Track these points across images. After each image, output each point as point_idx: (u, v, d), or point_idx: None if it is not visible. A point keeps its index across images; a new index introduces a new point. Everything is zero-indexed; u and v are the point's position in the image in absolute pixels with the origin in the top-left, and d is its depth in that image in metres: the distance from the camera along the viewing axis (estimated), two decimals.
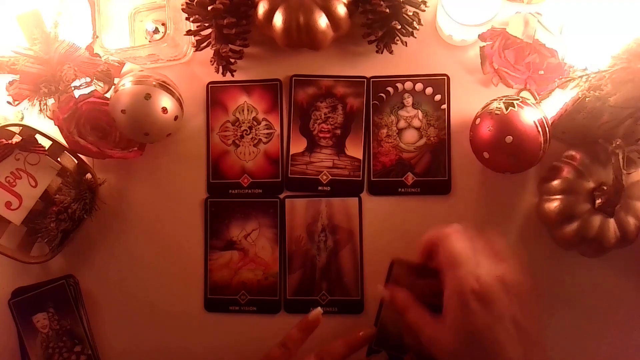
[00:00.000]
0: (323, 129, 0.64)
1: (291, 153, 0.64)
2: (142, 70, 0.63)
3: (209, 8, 0.58)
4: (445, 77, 0.63)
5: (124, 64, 0.67)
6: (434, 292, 0.48)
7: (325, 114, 0.64)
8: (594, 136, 0.55)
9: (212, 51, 0.62)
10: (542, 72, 0.58)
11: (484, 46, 0.60)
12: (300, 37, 0.58)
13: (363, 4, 0.59)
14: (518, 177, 0.60)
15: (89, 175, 0.65)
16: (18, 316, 0.65)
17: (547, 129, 0.54)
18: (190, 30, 0.63)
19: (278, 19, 0.57)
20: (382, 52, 0.62)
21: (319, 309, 0.56)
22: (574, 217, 0.53)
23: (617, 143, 0.48)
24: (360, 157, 0.63)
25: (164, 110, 0.59)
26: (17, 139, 0.63)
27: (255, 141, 0.65)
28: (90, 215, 0.64)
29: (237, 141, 0.66)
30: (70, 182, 0.64)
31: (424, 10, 0.59)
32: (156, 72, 0.61)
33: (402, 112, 0.63)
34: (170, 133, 0.62)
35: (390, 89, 0.64)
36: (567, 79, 0.53)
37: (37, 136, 0.63)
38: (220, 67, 0.63)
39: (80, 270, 0.67)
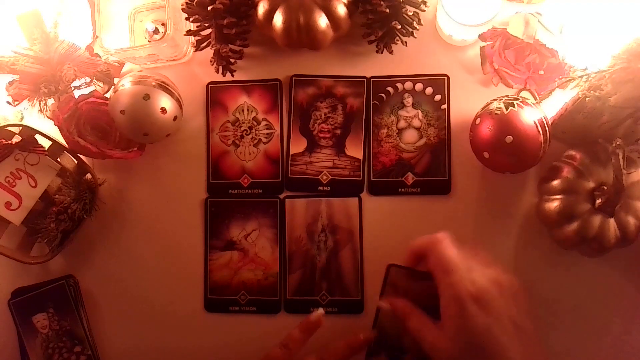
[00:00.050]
0: (323, 129, 0.64)
1: (291, 153, 0.64)
2: (141, 71, 0.63)
3: (209, 8, 0.58)
4: (445, 77, 0.63)
5: (124, 64, 0.67)
6: (431, 296, 0.48)
7: (325, 114, 0.64)
8: (594, 136, 0.55)
9: (212, 51, 0.62)
10: (542, 72, 0.58)
11: (484, 46, 0.60)
12: (300, 37, 0.58)
13: (363, 4, 0.59)
14: (518, 177, 0.60)
15: (88, 176, 0.65)
16: (18, 316, 0.65)
17: (547, 129, 0.54)
18: (190, 30, 0.63)
19: (278, 19, 0.57)
20: (382, 52, 0.62)
21: (321, 310, 0.56)
22: (574, 217, 0.53)
23: (617, 143, 0.48)
24: (360, 157, 0.63)
25: (163, 110, 0.59)
26: (17, 139, 0.63)
27: (255, 141, 0.65)
28: (90, 215, 0.64)
29: (237, 141, 0.66)
30: (70, 182, 0.63)
31: (424, 10, 0.59)
32: (156, 73, 0.61)
33: (402, 112, 0.63)
34: (170, 133, 0.62)
35: (390, 89, 0.64)
36: (567, 79, 0.54)
37: (37, 136, 0.63)
38: (220, 67, 0.63)
39: (80, 270, 0.67)
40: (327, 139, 0.64)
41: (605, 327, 0.59)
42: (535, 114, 0.53)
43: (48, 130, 0.64)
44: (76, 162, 0.65)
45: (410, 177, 0.63)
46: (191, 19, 0.61)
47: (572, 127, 0.56)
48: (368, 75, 0.64)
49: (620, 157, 0.48)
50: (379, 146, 0.63)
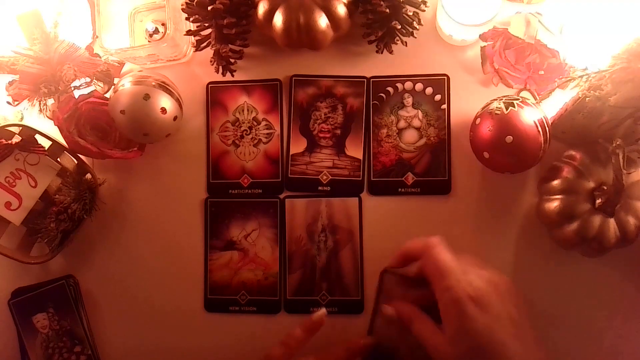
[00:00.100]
0: (323, 129, 0.64)
1: (291, 153, 0.64)
2: (141, 71, 0.63)
3: (209, 8, 0.58)
4: (445, 77, 0.63)
5: (124, 64, 0.67)
6: (427, 302, 0.48)
7: (325, 114, 0.64)
8: (594, 136, 0.55)
9: (212, 51, 0.62)
10: (542, 72, 0.58)
11: (484, 46, 0.60)
12: (300, 37, 0.58)
13: (363, 4, 0.59)
14: (518, 177, 0.60)
15: (88, 176, 0.65)
16: (18, 316, 0.65)
17: (547, 129, 0.54)
18: (190, 30, 0.63)
19: (278, 19, 0.57)
20: (382, 52, 0.62)
21: (323, 310, 0.56)
22: (574, 217, 0.53)
23: (617, 143, 0.48)
24: (360, 157, 0.63)
25: (163, 110, 0.59)
26: (17, 139, 0.63)
27: (255, 141, 0.65)
28: (90, 215, 0.64)
29: (237, 141, 0.66)
30: (70, 182, 0.63)
31: (424, 10, 0.60)
32: (156, 73, 0.61)
33: (402, 112, 0.63)
34: (170, 133, 0.62)
35: (390, 89, 0.64)
36: (567, 79, 0.54)
37: (37, 136, 0.63)
38: (220, 67, 0.63)
39: (80, 270, 0.67)
40: (327, 139, 0.64)
41: (605, 327, 0.59)
42: (535, 114, 0.53)
43: (48, 130, 0.63)
44: (76, 162, 0.65)
45: (410, 177, 0.63)
46: (191, 19, 0.61)
47: (572, 127, 0.56)
48: (368, 75, 0.64)
49: (620, 157, 0.48)
50: (379, 146, 0.63)
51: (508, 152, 0.53)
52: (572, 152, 0.55)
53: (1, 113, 0.66)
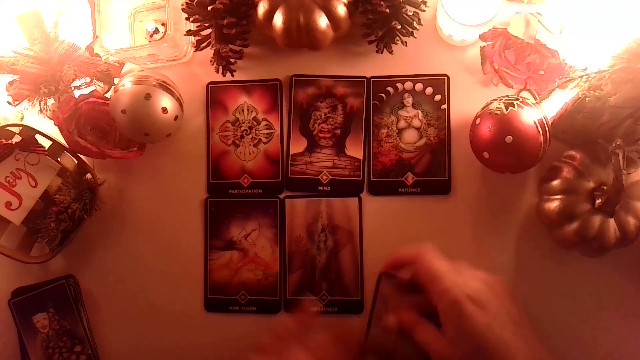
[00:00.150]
0: (323, 129, 0.64)
1: (291, 153, 0.64)
2: (142, 70, 0.63)
3: (209, 8, 0.58)
4: (445, 77, 0.63)
5: (124, 64, 0.67)
6: (422, 307, 0.48)
7: (325, 114, 0.64)
8: (594, 136, 0.55)
9: (212, 51, 0.62)
10: (542, 72, 0.58)
11: (484, 46, 0.60)
12: (300, 37, 0.58)
13: (363, 4, 0.59)
14: (518, 177, 0.60)
15: (89, 175, 0.65)
16: (18, 316, 0.65)
17: (547, 129, 0.54)
18: (190, 30, 0.63)
19: (278, 19, 0.57)
20: (382, 52, 0.62)
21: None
22: (574, 217, 0.53)
23: (617, 143, 0.48)
24: (360, 157, 0.63)
25: (164, 110, 0.59)
26: (17, 139, 0.63)
27: (255, 141, 0.65)
28: (90, 215, 0.64)
29: (237, 141, 0.66)
30: (70, 182, 0.63)
31: (424, 10, 0.59)
32: (156, 72, 0.61)
33: (402, 112, 0.63)
34: (171, 133, 0.62)
35: (390, 89, 0.64)
36: (567, 79, 0.54)
37: (37, 136, 0.63)
38: (220, 67, 0.63)
39: (80, 270, 0.67)
40: (327, 139, 0.64)
41: (606, 327, 0.59)
42: (535, 114, 0.53)
43: (48, 130, 0.64)
44: (76, 162, 0.65)
45: (410, 177, 0.63)
46: (191, 19, 0.61)
47: (572, 127, 0.56)
48: (368, 75, 0.64)
49: (620, 157, 0.48)
50: (379, 146, 0.63)
51: (508, 152, 0.53)
52: (572, 152, 0.55)
53: (1, 113, 0.66)
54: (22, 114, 0.66)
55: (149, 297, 0.66)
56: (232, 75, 0.65)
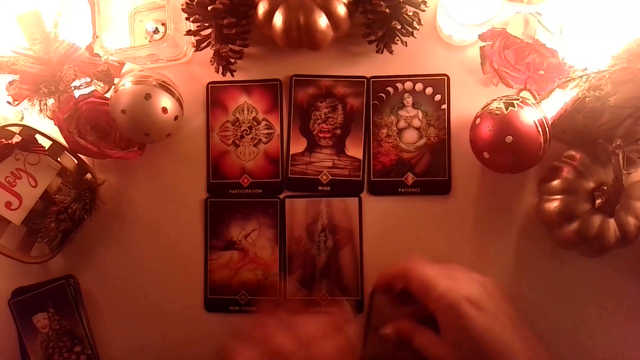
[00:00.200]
0: (323, 129, 0.64)
1: (291, 153, 0.64)
2: (142, 70, 0.63)
3: (209, 8, 0.58)
4: (445, 77, 0.63)
5: (124, 64, 0.67)
6: (417, 316, 0.49)
7: (325, 114, 0.64)
8: (594, 136, 0.55)
9: (212, 51, 0.62)
10: (542, 72, 0.58)
11: (484, 46, 0.60)
12: (300, 37, 0.58)
13: (363, 4, 0.59)
14: (518, 177, 0.60)
15: (89, 175, 0.65)
16: (18, 316, 0.65)
17: (547, 129, 0.54)
18: (190, 30, 0.63)
19: (278, 19, 0.57)
20: (382, 52, 0.62)
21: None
22: (574, 217, 0.53)
23: (617, 143, 0.48)
24: (360, 157, 0.63)
25: (164, 110, 0.59)
26: (17, 139, 0.63)
27: (255, 141, 0.65)
28: (90, 215, 0.64)
29: (237, 141, 0.66)
30: (70, 182, 0.64)
31: (424, 10, 0.59)
32: (156, 72, 0.61)
33: (402, 112, 0.63)
34: (171, 133, 0.62)
35: (390, 89, 0.64)
36: (567, 79, 0.53)
37: (37, 136, 0.63)
38: (220, 67, 0.63)
39: (80, 270, 0.67)
40: (327, 139, 0.64)
41: (606, 327, 0.59)
42: (535, 114, 0.53)
43: (48, 130, 0.64)
44: (76, 162, 0.65)
45: (410, 177, 0.63)
46: (191, 19, 0.61)
47: (572, 127, 0.56)
48: (368, 75, 0.64)
49: (620, 157, 0.48)
50: (379, 146, 0.63)
51: (508, 152, 0.53)
52: (572, 152, 0.55)
53: (1, 113, 0.66)
54: (22, 114, 0.66)
55: (149, 297, 0.66)
56: (232, 75, 0.65)
